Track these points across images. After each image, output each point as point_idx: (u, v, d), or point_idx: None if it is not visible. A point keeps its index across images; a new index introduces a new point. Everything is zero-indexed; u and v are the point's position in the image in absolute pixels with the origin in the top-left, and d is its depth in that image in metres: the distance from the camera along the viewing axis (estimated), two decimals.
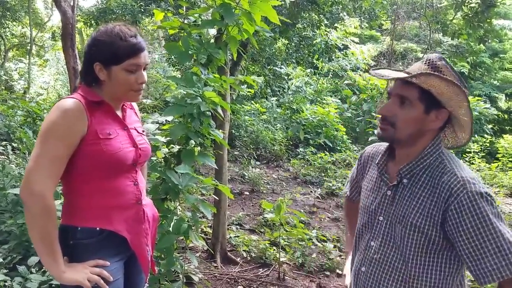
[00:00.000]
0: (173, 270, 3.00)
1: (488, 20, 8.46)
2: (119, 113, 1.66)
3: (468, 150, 10.67)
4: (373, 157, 1.58)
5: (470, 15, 8.35)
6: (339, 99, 13.17)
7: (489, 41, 14.64)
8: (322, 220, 5.84)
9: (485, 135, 12.36)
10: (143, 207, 1.68)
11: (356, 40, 14.43)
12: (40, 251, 1.44)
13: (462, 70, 15.91)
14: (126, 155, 1.57)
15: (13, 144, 4.66)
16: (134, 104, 1.84)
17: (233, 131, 9.45)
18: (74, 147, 1.47)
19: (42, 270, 2.57)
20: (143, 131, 1.76)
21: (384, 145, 1.55)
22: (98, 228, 1.54)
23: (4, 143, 4.50)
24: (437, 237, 1.28)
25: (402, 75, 1.31)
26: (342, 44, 13.55)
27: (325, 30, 10.77)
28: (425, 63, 1.33)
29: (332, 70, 13.77)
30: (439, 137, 1.36)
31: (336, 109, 11.51)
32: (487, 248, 1.19)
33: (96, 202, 1.55)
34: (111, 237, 1.56)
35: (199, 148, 2.99)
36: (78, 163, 1.50)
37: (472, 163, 9.77)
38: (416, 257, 1.32)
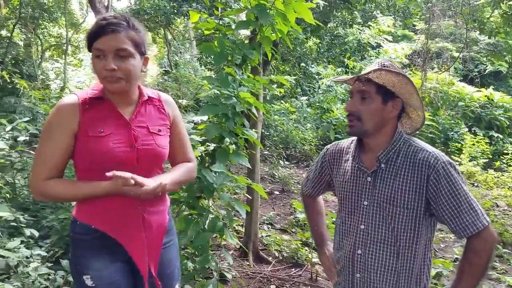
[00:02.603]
0: (207, 267, 3.05)
1: None
2: (129, 109, 1.59)
3: (505, 151, 10.35)
4: (339, 153, 1.76)
5: (509, 13, 8.09)
6: None
7: None
8: None
9: None
10: (144, 213, 1.58)
11: (390, 38, 14.19)
12: (81, 196, 1.52)
13: (499, 69, 15.42)
14: (117, 154, 1.48)
15: None
16: (167, 99, 1.73)
17: (263, 130, 9.47)
18: (66, 143, 1.48)
19: None
20: (159, 131, 1.62)
21: (344, 141, 1.77)
22: (93, 227, 1.53)
23: None
24: (422, 210, 1.49)
25: (362, 74, 1.54)
26: (375, 43, 13.35)
27: (358, 29, 10.65)
28: (376, 65, 1.57)
29: (364, 69, 13.59)
30: (398, 127, 1.59)
31: None
32: (462, 207, 1.44)
33: (91, 201, 1.52)
34: (106, 238, 1.53)
35: (233, 147, 3.02)
36: (74, 160, 1.54)
37: (510, 165, 9.46)
38: (407, 231, 1.51)
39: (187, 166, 1.76)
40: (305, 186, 1.95)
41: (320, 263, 4.06)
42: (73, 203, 3.10)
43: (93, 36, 1.45)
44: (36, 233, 2.71)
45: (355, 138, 1.69)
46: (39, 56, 18.81)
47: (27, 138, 3.76)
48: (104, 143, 1.48)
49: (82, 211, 1.57)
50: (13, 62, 11.97)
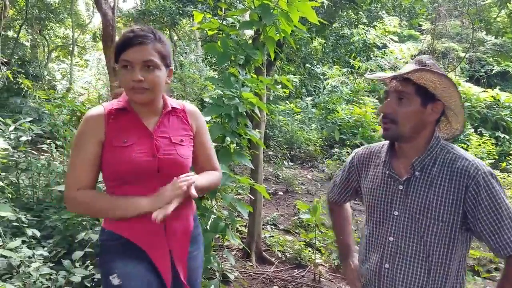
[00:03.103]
0: (209, 267, 3.04)
1: None
2: (153, 119, 1.61)
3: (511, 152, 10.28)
4: (369, 157, 1.64)
5: None
6: (376, 99, 12.94)
7: None
8: (359, 222, 5.76)
9: None
10: (167, 220, 1.54)
11: (395, 38, 14.13)
12: (117, 214, 1.52)
13: (506, 70, 15.32)
14: (139, 164, 1.51)
15: (57, 142, 4.83)
16: (191, 110, 1.73)
17: (267, 131, 9.46)
18: (95, 153, 1.52)
19: (86, 264, 2.66)
20: (181, 141, 1.64)
21: (375, 145, 1.65)
22: (117, 234, 1.57)
23: (48, 141, 4.67)
24: (458, 223, 1.38)
25: (402, 73, 1.41)
26: (381, 43, 13.30)
27: (363, 29, 10.62)
28: (415, 63, 1.45)
29: (369, 70, 13.55)
30: (436, 132, 1.47)
31: (373, 109, 11.31)
32: (503, 222, 1.32)
33: None
34: (130, 244, 1.56)
35: (235, 146, 3.01)
36: (102, 169, 1.56)
37: None
38: (441, 246, 1.40)
39: (212, 173, 1.78)
40: (331, 192, 1.84)
41: (327, 267, 4.07)
42: None
43: (121, 48, 1.49)
44: (38, 233, 2.71)
45: (386, 142, 1.57)
46: (46, 57, 18.94)
47: (30, 138, 3.77)
48: (127, 152, 1.51)
49: (108, 219, 1.61)
50: (19, 62, 12.05)
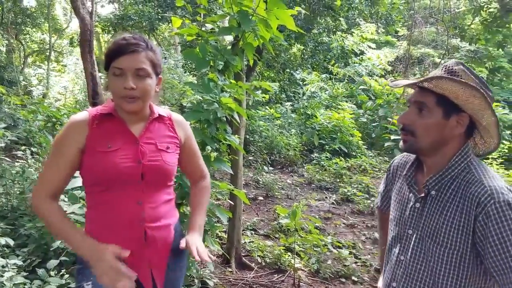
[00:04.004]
0: (188, 274, 3.02)
1: (507, 25, 8.37)
2: (138, 126, 1.59)
3: (486, 157, 10.52)
4: (402, 167, 1.53)
5: (489, 20, 8.28)
6: (354, 104, 13.10)
7: (508, 46, 14.42)
8: (338, 226, 5.80)
9: (504, 141, 12.15)
10: (147, 228, 1.55)
11: (373, 46, 14.37)
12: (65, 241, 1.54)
13: (480, 76, 15.73)
14: (122, 170, 1.48)
15: (32, 148, 4.74)
16: (178, 119, 1.73)
17: (247, 136, 9.47)
18: (70, 159, 1.50)
19: (61, 273, 2.61)
20: (167, 148, 1.62)
21: (413, 155, 1.52)
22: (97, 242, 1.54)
23: (23, 147, 4.57)
24: (468, 253, 1.24)
25: (415, 81, 1.30)
26: (359, 50, 13.50)
27: (341, 35, 10.77)
28: (441, 69, 1.32)
29: (347, 76, 13.74)
30: (467, 145, 1.31)
31: (351, 114, 11.44)
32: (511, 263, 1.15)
33: (95, 216, 1.55)
34: None
35: (215, 153, 3.01)
36: (82, 175, 1.55)
37: None
38: (448, 275, 1.28)
39: (204, 190, 1.83)
40: (377, 198, 1.76)
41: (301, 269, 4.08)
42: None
43: (113, 55, 1.48)
44: (12, 242, 2.65)
45: None
46: (22, 62, 18.58)
47: (4, 145, 3.69)
48: (111, 157, 1.49)
49: (88, 227, 1.58)
50: None
